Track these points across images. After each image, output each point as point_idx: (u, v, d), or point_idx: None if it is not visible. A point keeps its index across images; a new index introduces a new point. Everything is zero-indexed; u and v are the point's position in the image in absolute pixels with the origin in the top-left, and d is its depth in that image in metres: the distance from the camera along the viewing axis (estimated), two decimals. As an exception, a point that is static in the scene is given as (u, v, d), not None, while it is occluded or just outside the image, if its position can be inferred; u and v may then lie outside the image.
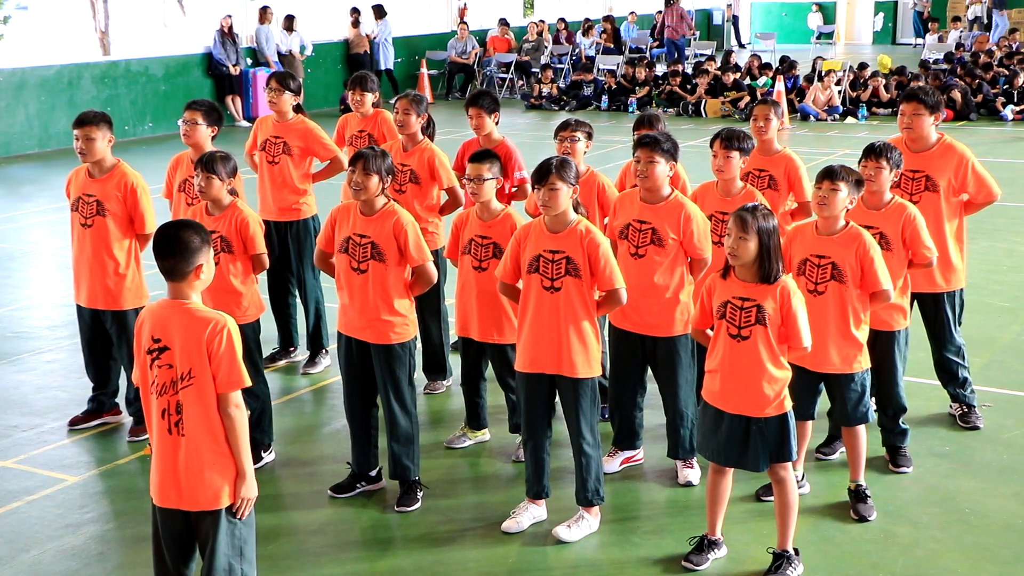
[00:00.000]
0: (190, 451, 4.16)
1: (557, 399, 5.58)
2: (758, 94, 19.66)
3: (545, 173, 5.28)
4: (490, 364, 6.37)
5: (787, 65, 21.27)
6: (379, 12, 22.24)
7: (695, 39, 29.26)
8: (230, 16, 19.58)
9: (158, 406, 4.19)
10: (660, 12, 28.46)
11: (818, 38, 34.50)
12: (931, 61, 23.13)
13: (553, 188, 5.26)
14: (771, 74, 20.89)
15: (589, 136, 6.79)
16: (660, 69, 22.91)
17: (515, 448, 6.40)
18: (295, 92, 7.68)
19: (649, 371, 6.13)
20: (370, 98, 7.94)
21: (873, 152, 5.84)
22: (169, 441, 4.18)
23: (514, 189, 7.40)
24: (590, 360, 5.40)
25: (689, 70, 22.43)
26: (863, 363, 5.60)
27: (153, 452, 4.27)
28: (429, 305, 7.02)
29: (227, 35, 19.48)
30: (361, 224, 5.66)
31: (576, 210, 5.40)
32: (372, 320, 5.69)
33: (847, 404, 5.61)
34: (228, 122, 19.22)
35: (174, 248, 4.16)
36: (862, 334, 5.57)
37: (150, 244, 4.53)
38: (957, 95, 19.07)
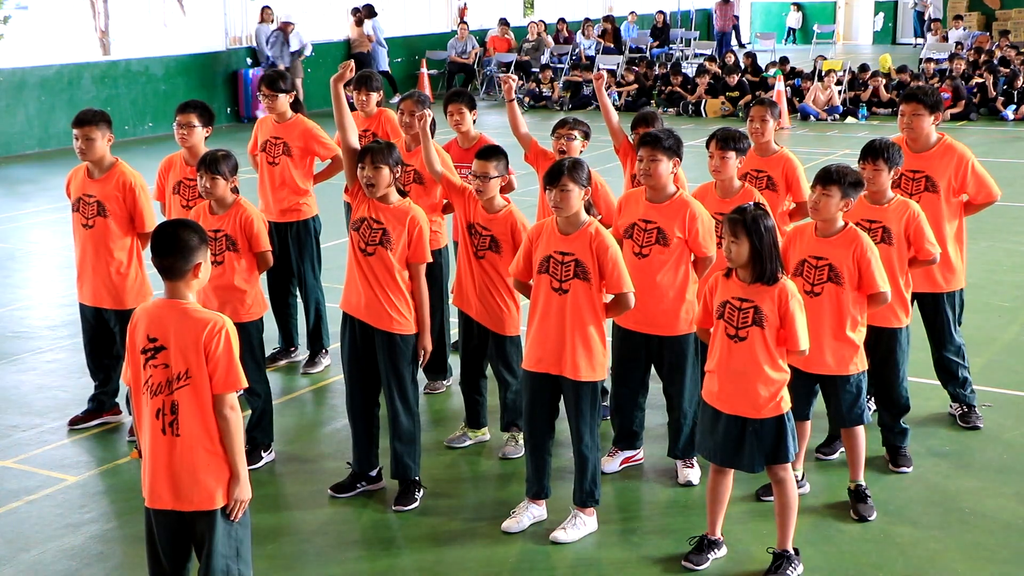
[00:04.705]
0: (184, 451, 4.16)
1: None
2: (768, 83, 19.82)
3: (557, 174, 5.28)
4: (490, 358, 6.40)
5: (752, 64, 21.56)
6: (369, 12, 22.11)
7: (696, 39, 29.28)
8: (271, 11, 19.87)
9: (152, 406, 4.18)
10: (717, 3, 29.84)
11: (789, 37, 34.66)
12: (932, 60, 23.10)
13: (565, 189, 5.26)
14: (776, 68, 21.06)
15: (586, 136, 6.79)
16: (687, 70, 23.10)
17: (502, 445, 6.43)
18: (288, 91, 7.67)
19: (651, 370, 6.13)
20: (375, 97, 7.94)
21: (870, 153, 5.84)
22: (163, 441, 4.17)
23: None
24: (593, 363, 5.39)
25: (690, 71, 22.50)
26: (859, 364, 5.59)
27: (145, 453, 4.26)
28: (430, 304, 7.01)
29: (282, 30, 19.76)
30: (374, 210, 5.72)
31: (588, 211, 5.40)
32: (372, 301, 5.70)
33: (842, 406, 5.61)
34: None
35: (173, 247, 4.16)
36: (858, 336, 5.56)
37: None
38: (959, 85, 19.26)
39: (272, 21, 20.26)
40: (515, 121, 6.91)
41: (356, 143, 5.87)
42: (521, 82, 23.64)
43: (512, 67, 23.93)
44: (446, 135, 7.56)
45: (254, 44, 20.44)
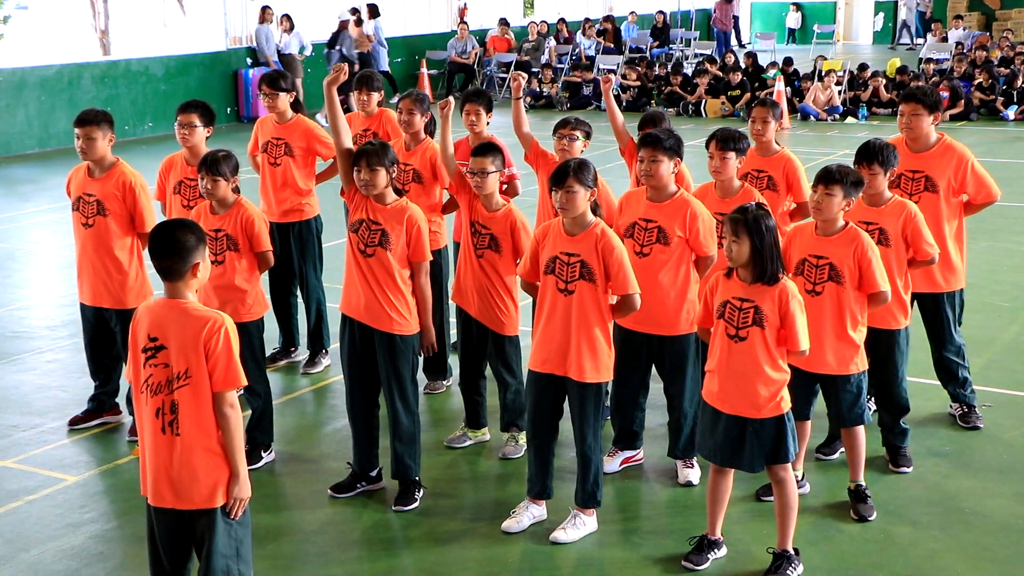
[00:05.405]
0: (184, 450, 4.16)
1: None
2: (768, 84, 19.82)
3: (563, 176, 5.27)
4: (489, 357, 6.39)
5: (752, 64, 21.55)
6: (373, 12, 22.11)
7: (696, 39, 29.28)
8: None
9: (152, 405, 4.18)
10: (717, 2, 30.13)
11: (788, 38, 34.69)
12: (932, 60, 23.10)
13: (570, 191, 5.25)
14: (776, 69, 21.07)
15: (588, 136, 6.78)
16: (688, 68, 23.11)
17: (502, 445, 6.44)
18: (289, 91, 7.68)
19: (652, 370, 6.13)
20: (376, 97, 7.94)
21: (865, 157, 5.83)
22: (163, 440, 4.18)
23: (504, 185, 7.41)
24: (598, 365, 5.39)
25: (689, 70, 22.51)
26: (860, 364, 5.59)
27: (145, 451, 4.26)
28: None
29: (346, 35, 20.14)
30: (372, 211, 5.72)
31: (595, 212, 5.40)
32: (372, 302, 5.70)
33: (842, 405, 5.61)
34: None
35: (171, 248, 4.16)
36: (859, 335, 5.56)
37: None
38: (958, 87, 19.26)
39: (271, 21, 20.26)
40: (519, 119, 6.91)
41: (350, 145, 5.88)
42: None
43: (512, 67, 23.93)
44: (459, 134, 7.55)
45: (254, 44, 20.45)
